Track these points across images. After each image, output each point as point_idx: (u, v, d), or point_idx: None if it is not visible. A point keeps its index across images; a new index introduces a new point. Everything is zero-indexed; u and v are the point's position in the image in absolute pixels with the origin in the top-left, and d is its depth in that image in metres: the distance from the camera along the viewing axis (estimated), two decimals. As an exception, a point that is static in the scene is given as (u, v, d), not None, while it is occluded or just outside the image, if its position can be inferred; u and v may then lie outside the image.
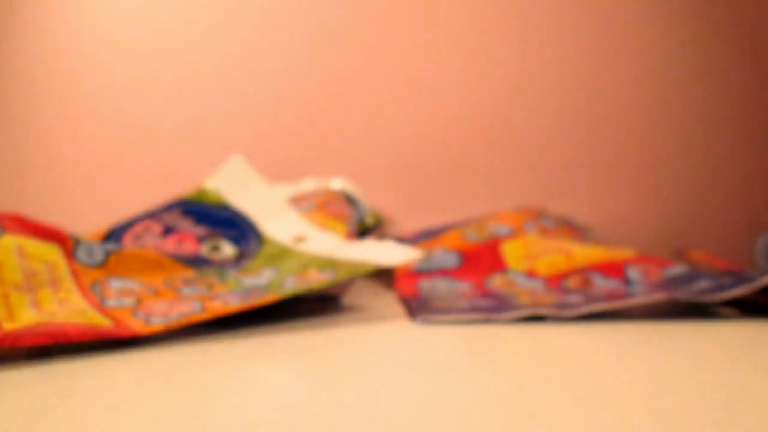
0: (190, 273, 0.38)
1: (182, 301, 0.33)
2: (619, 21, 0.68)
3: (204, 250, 0.42)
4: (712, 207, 0.67)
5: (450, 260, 0.48)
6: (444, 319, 0.35)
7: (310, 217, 0.46)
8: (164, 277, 0.36)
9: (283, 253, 0.42)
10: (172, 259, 0.38)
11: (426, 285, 0.44)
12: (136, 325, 0.29)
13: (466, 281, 0.45)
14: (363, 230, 0.52)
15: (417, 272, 0.46)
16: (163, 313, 0.31)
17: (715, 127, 0.67)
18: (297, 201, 0.49)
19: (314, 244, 0.42)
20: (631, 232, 0.68)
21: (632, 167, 0.68)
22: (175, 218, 0.44)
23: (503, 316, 0.34)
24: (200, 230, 0.43)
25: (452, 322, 0.34)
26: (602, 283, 0.43)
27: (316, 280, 0.36)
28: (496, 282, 0.44)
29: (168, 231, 0.43)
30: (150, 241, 0.42)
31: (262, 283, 0.37)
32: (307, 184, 0.54)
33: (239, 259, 0.42)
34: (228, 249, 0.42)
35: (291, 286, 0.35)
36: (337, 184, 0.54)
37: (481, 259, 0.48)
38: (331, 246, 0.41)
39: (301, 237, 0.44)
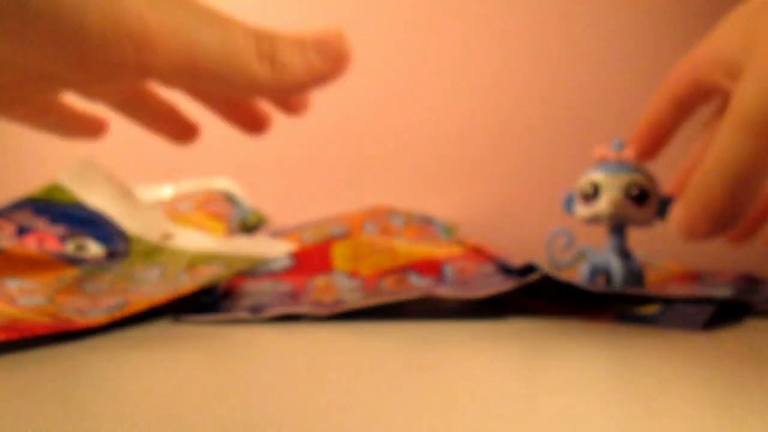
0: (75, 271, 0.37)
1: (100, 296, 0.33)
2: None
3: (69, 249, 0.40)
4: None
5: (281, 263, 0.47)
6: (203, 319, 0.34)
7: (189, 216, 0.46)
8: (56, 276, 0.35)
9: (155, 251, 0.42)
10: (56, 258, 0.37)
11: (250, 288, 0.43)
12: (79, 319, 0.29)
13: (289, 283, 0.44)
14: (246, 229, 0.53)
15: (248, 275, 0.45)
16: (92, 307, 0.31)
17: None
18: (177, 200, 0.49)
19: (184, 241, 0.43)
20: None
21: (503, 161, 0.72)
22: (26, 217, 0.41)
23: (261, 315, 0.33)
24: (59, 230, 0.42)
25: (214, 322, 0.33)
26: (418, 281, 0.43)
27: (213, 273, 0.38)
28: (318, 283, 0.44)
29: (22, 231, 0.41)
30: (6, 242, 0.39)
31: (155, 278, 0.38)
32: (188, 184, 0.53)
33: (111, 257, 0.41)
34: (94, 248, 0.42)
35: (188, 280, 0.37)
36: (219, 183, 0.55)
37: (311, 260, 0.47)
38: (205, 243, 0.43)
39: (168, 234, 0.44)
